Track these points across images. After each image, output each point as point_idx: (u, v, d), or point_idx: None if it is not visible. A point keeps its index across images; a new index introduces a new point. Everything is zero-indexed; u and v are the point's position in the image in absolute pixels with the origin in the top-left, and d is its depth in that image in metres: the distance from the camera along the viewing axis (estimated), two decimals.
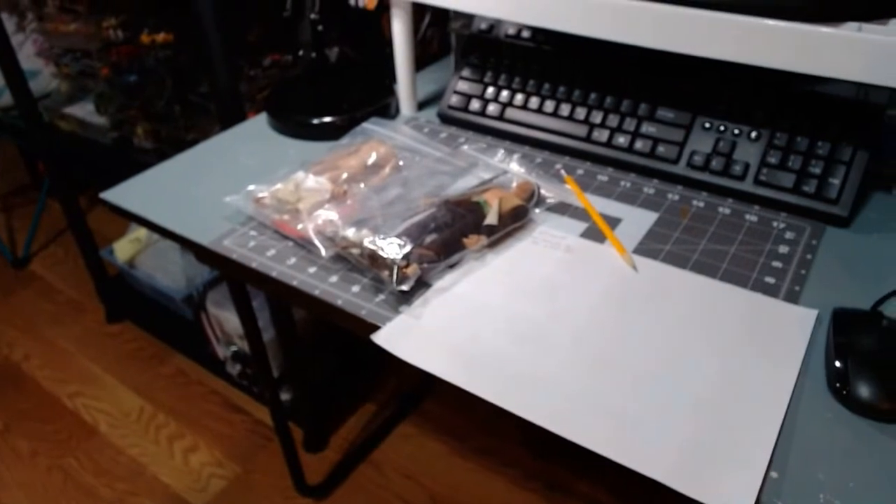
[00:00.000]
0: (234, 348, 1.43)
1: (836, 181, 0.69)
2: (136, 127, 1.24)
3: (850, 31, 0.59)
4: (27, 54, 1.52)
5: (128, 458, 1.45)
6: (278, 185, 0.74)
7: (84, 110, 1.43)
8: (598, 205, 0.73)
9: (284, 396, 1.41)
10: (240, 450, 1.46)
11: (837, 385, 0.51)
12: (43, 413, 1.56)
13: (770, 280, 0.62)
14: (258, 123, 0.93)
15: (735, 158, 0.73)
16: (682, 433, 0.49)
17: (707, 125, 0.75)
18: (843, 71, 0.60)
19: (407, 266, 0.62)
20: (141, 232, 1.64)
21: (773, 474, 0.46)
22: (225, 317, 1.38)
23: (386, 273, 0.62)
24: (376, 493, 1.36)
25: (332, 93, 0.94)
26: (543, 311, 0.60)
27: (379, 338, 0.58)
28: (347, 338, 1.55)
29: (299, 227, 0.68)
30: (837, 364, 0.52)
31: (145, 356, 1.70)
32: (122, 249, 1.63)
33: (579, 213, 0.72)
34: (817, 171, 0.69)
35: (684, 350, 0.56)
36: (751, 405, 0.51)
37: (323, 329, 1.47)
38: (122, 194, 0.80)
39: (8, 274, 2.00)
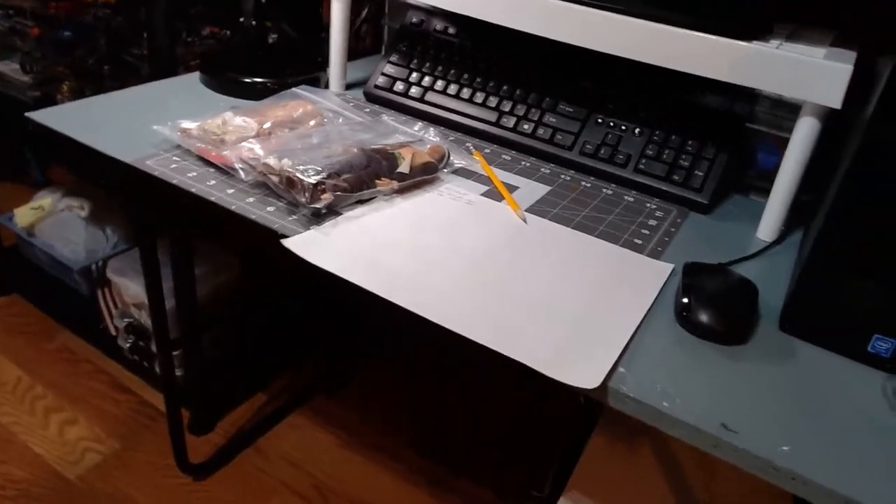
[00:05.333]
0: (128, 320, 1.41)
1: (700, 173, 0.80)
2: (62, 84, 1.24)
3: (716, 37, 0.71)
4: None
5: None
6: (207, 121, 0.78)
7: (6, 67, 1.41)
8: (500, 176, 0.82)
9: (177, 373, 1.39)
10: (122, 428, 1.42)
11: (683, 313, 0.60)
12: None
13: (638, 241, 0.72)
14: (190, 80, 0.97)
15: (620, 149, 0.84)
16: (551, 336, 0.56)
17: (599, 120, 0.86)
18: (709, 70, 0.72)
19: (322, 192, 0.67)
20: (45, 201, 1.60)
21: (621, 369, 0.54)
22: (124, 284, 1.37)
23: (302, 196, 0.67)
24: (258, 477, 1.36)
25: (267, 60, 1.00)
26: (443, 244, 0.67)
27: (290, 242, 0.63)
28: (246, 323, 1.55)
29: (224, 152, 0.73)
30: (684, 299, 0.61)
31: (32, 331, 1.63)
32: (23, 216, 1.59)
33: (482, 179, 0.80)
34: (686, 163, 0.81)
35: (561, 282, 0.63)
36: (610, 321, 0.59)
37: (225, 309, 1.48)
38: (50, 115, 0.82)
39: None
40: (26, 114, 0.81)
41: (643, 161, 0.82)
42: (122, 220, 1.62)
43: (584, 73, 0.89)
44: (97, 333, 1.56)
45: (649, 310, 0.61)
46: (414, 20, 0.98)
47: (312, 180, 0.66)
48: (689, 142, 0.82)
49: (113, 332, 1.49)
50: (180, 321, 1.33)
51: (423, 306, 0.57)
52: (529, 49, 0.90)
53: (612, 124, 0.86)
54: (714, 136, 0.82)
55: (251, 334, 1.56)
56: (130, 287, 1.36)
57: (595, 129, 0.86)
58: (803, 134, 0.70)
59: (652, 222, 0.76)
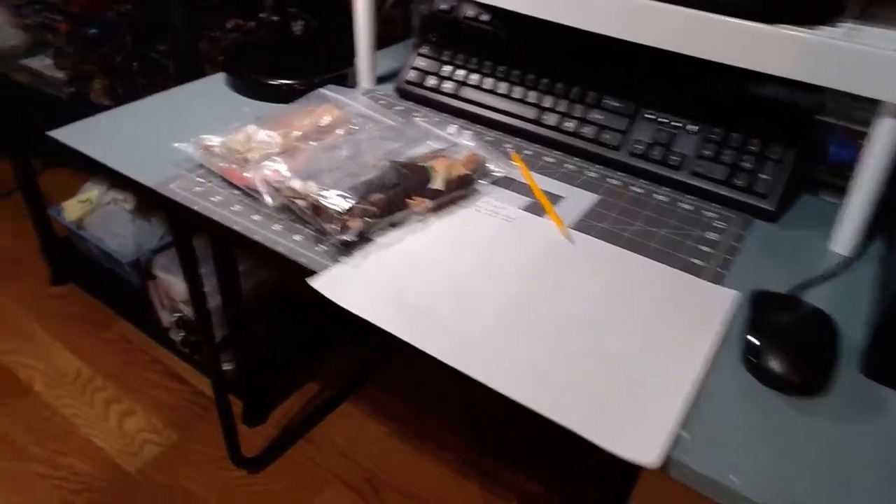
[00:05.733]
0: (178, 314, 1.42)
1: (765, 177, 0.72)
2: (93, 82, 1.23)
3: (785, 29, 0.62)
4: None
5: (61, 419, 1.43)
6: (229, 136, 0.74)
7: (41, 63, 1.41)
8: (542, 183, 0.76)
9: (227, 367, 1.40)
10: (178, 418, 1.45)
11: (751, 358, 0.54)
12: None
13: (697, 262, 0.65)
14: (215, 81, 0.94)
15: (673, 149, 0.77)
16: (600, 389, 0.51)
17: (649, 116, 0.79)
18: (776, 67, 0.64)
19: (350, 218, 0.63)
20: (92, 193, 1.62)
21: (684, 434, 0.48)
22: (171, 281, 1.37)
23: (329, 224, 0.63)
24: (312, 469, 1.36)
25: (292, 58, 0.96)
26: (480, 272, 0.62)
27: (316, 282, 0.59)
28: (294, 314, 1.55)
29: (247, 174, 0.69)
30: (752, 339, 0.55)
31: (88, 320, 1.67)
32: (72, 209, 1.60)
33: (522, 189, 0.75)
34: (748, 165, 0.73)
35: (609, 315, 0.58)
36: (666, 369, 0.53)
37: (270, 303, 1.48)
38: (72, 134, 0.80)
39: None
40: (48, 133, 0.79)
41: (700, 163, 0.75)
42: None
43: (631, 63, 0.81)
44: (150, 324, 1.58)
45: (713, 351, 0.55)
46: (443, 6, 0.92)
47: (340, 209, 0.62)
48: (751, 140, 0.74)
49: (165, 324, 1.51)
50: (227, 318, 1.33)
51: (455, 356, 0.53)
52: (570, 39, 0.83)
53: (663, 121, 0.78)
54: (778, 133, 0.73)
55: (298, 325, 1.56)
56: (177, 284, 1.36)
57: (645, 127, 0.79)
58: (883, 137, 0.61)
59: (711, 236, 0.69)
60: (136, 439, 1.40)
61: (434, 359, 0.53)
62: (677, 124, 0.77)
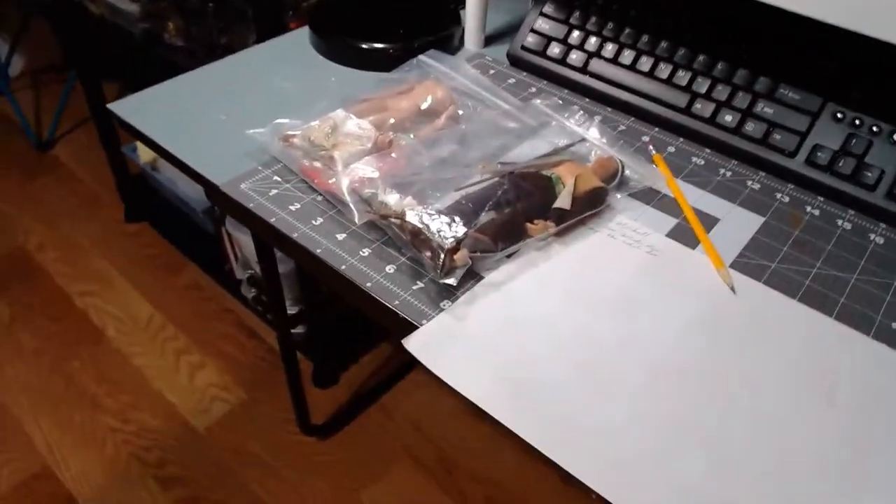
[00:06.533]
0: (250, 272, 1.34)
1: None
2: (168, 21, 1.11)
3: None
4: None
5: (133, 369, 1.40)
6: (312, 124, 0.62)
7: None
8: (692, 196, 0.61)
9: (297, 329, 1.33)
10: (248, 375, 1.40)
11: None
12: (51, 310, 1.51)
13: None
14: (299, 39, 0.80)
15: (868, 162, 0.60)
16: None
17: (839, 115, 0.61)
18: None
19: (456, 251, 0.50)
20: None
21: None
22: (244, 240, 1.29)
23: (429, 256, 0.51)
24: (382, 440, 1.30)
25: (388, 14, 0.81)
26: (615, 334, 0.49)
27: (412, 344, 0.47)
28: None
29: (331, 180, 0.57)
30: None
31: (161, 263, 1.63)
32: (146, 149, 1.52)
33: (668, 205, 0.60)
34: None
35: (789, 414, 0.44)
36: (875, 500, 0.40)
37: None
38: (133, 108, 0.69)
39: (31, 157, 1.93)
40: (108, 105, 0.69)
41: None
42: None
43: (822, 42, 0.63)
44: (223, 274, 1.52)
45: None
46: None
47: (446, 243, 0.49)
48: None
49: (238, 276, 1.44)
50: (300, 281, 1.24)
51: (578, 463, 0.41)
52: (742, 6, 0.65)
53: (857, 122, 0.61)
54: None
55: None
56: (249, 244, 1.27)
57: (831, 129, 0.61)
58: None
59: None
60: (206, 395, 1.36)
61: None
62: (876, 129, 0.60)
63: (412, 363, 1.43)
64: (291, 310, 1.29)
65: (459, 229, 0.50)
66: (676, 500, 0.40)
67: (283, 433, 1.31)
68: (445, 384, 0.46)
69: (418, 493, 1.22)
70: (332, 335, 1.40)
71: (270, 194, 0.59)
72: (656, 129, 0.69)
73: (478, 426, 1.32)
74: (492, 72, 0.76)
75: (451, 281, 0.49)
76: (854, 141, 0.60)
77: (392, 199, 0.54)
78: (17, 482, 1.21)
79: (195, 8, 1.04)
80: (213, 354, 1.43)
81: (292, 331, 1.28)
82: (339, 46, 0.76)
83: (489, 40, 0.82)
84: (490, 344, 0.48)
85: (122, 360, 1.42)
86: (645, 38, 0.70)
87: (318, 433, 1.31)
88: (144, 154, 1.53)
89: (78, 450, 1.26)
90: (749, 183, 0.63)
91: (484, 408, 0.44)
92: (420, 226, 0.51)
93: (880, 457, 0.42)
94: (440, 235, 0.50)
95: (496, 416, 0.43)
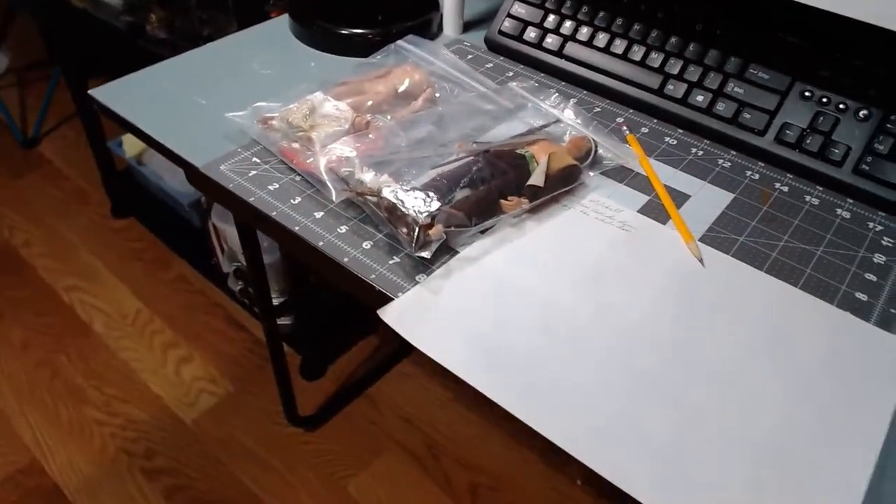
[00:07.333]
0: (236, 264, 1.35)
1: None
2: (150, 14, 1.11)
3: None
4: None
5: (120, 363, 1.40)
6: (290, 106, 0.63)
7: None
8: (663, 174, 0.62)
9: (284, 321, 1.34)
10: (235, 368, 1.40)
11: None
12: (38, 305, 1.51)
13: (861, 296, 0.52)
14: (278, 27, 0.81)
15: (835, 139, 0.61)
16: (743, 481, 0.40)
17: (807, 94, 0.63)
18: None
19: (431, 226, 0.51)
20: None
21: None
22: (230, 232, 1.30)
23: (405, 231, 0.52)
24: (369, 430, 1.31)
25: (367, 0, 0.82)
26: (587, 304, 0.50)
27: (388, 314, 0.48)
28: None
29: (309, 160, 0.58)
30: None
31: (148, 258, 1.63)
32: (131, 144, 1.53)
33: (639, 183, 0.61)
34: None
35: (753, 375, 0.46)
36: (833, 447, 0.41)
37: None
38: (114, 94, 0.69)
39: (16, 154, 1.92)
40: (89, 91, 0.69)
41: (868, 159, 0.59)
42: None
43: (791, 23, 0.64)
44: (210, 267, 1.52)
45: (890, 423, 0.43)
46: None
47: (421, 218, 0.50)
48: None
49: (225, 270, 1.44)
50: (286, 272, 1.25)
51: (552, 426, 0.42)
52: None
53: (825, 100, 0.62)
54: None
55: None
56: (235, 236, 1.28)
57: (800, 107, 0.63)
58: None
59: (879, 258, 0.55)
60: (193, 388, 1.36)
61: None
62: (842, 106, 0.61)
63: (399, 355, 1.45)
64: (277, 301, 1.29)
65: (434, 204, 0.52)
66: (644, 456, 0.41)
67: (271, 424, 1.31)
68: (428, 360, 0.46)
69: (405, 481, 1.23)
70: (319, 328, 1.41)
71: (249, 175, 0.59)
72: (630, 110, 0.70)
73: (465, 416, 1.33)
74: (469, 57, 0.77)
75: (426, 254, 0.50)
76: (821, 119, 0.62)
77: (368, 177, 0.55)
78: (4, 475, 1.21)
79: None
80: (200, 348, 1.44)
81: (279, 322, 1.29)
82: (317, 32, 0.77)
83: (468, 26, 0.83)
84: (465, 314, 0.49)
85: (110, 353, 1.42)
86: (619, 20, 0.71)
87: (305, 424, 1.31)
88: (130, 148, 1.53)
89: (65, 442, 1.26)
90: (720, 161, 0.64)
91: (459, 375, 0.45)
92: (395, 201, 0.52)
93: (835, 411, 0.43)
94: (415, 210, 0.51)
95: (471, 383, 0.44)
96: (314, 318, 1.37)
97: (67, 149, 1.93)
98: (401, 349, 1.44)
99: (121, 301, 1.52)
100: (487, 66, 0.76)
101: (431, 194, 0.52)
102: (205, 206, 1.46)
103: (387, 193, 0.53)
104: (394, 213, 0.52)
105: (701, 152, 0.65)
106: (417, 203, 0.52)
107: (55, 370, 1.38)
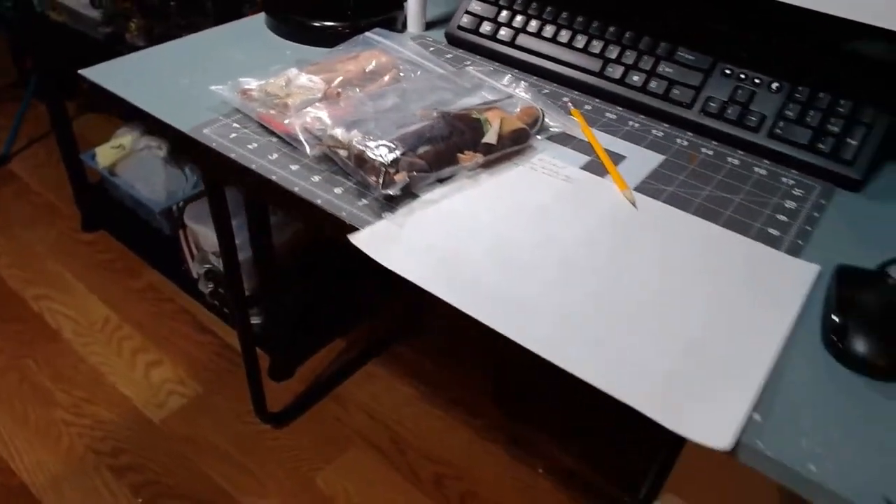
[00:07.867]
0: (207, 266, 1.39)
1: (853, 142, 0.65)
2: (130, 22, 1.18)
3: None
4: None
5: (88, 367, 1.42)
6: (269, 80, 0.69)
7: (78, 2, 1.36)
8: (604, 141, 0.70)
9: (255, 320, 1.37)
10: (204, 371, 1.43)
11: (834, 338, 0.48)
12: (5, 312, 1.52)
13: (774, 232, 0.59)
14: (255, 23, 0.88)
15: (752, 109, 0.70)
16: (667, 366, 0.46)
17: (727, 71, 0.72)
18: (877, 16, 0.56)
19: (396, 171, 0.58)
20: (126, 139, 1.58)
21: (756, 416, 0.43)
22: (202, 232, 1.34)
23: (373, 177, 0.58)
24: (336, 427, 1.34)
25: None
26: (533, 237, 0.56)
27: (357, 238, 0.54)
28: (324, 270, 1.51)
29: (286, 122, 0.64)
30: (836, 317, 0.49)
31: (118, 268, 1.65)
32: (104, 155, 1.57)
33: (582, 147, 0.69)
34: (835, 129, 0.66)
35: (678, 288, 0.52)
36: (740, 347, 0.48)
37: (301, 258, 1.44)
38: (103, 73, 0.75)
39: None
40: (79, 71, 0.75)
41: (780, 124, 0.68)
42: None
43: (710, 11, 0.73)
44: (180, 273, 1.56)
45: (791, 329, 0.50)
46: None
47: (386, 160, 0.57)
48: (840, 101, 0.67)
49: (195, 275, 1.48)
50: (258, 271, 1.29)
51: (506, 323, 0.48)
52: None
53: (743, 76, 0.71)
54: (871, 95, 0.66)
55: (330, 281, 1.52)
56: (208, 235, 1.32)
57: (721, 83, 0.72)
58: None
59: (790, 204, 0.63)
60: (162, 390, 1.38)
61: (475, 321, 0.48)
62: (758, 81, 0.70)
63: (366, 357, 1.49)
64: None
65: (398, 151, 0.58)
66: (575, 340, 0.47)
67: (239, 423, 1.34)
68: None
69: (371, 473, 1.26)
70: (288, 329, 1.45)
71: (230, 137, 0.65)
72: (576, 92, 0.78)
73: (430, 412, 1.38)
74: (431, 49, 0.85)
75: (392, 191, 0.56)
76: (740, 92, 0.70)
77: (340, 132, 0.61)
78: None
79: (158, 6, 1.11)
80: (169, 352, 1.46)
81: (251, 322, 1.33)
82: (292, 25, 0.84)
83: (430, 25, 0.91)
84: (426, 243, 0.55)
85: (78, 358, 1.43)
86: (564, 14, 0.80)
87: (273, 421, 1.34)
88: (103, 159, 1.57)
89: (32, 442, 1.27)
90: (654, 131, 0.72)
91: (424, 287, 0.50)
92: (364, 148, 0.58)
93: (745, 319, 0.50)
94: (381, 156, 0.57)
95: (435, 293, 0.50)
96: (283, 319, 1.41)
97: (39, 167, 1.96)
98: (369, 350, 1.49)
99: (89, 309, 1.54)
100: (447, 56, 0.84)
101: (397, 143, 0.59)
102: (176, 214, 1.50)
103: (356, 144, 0.59)
104: (363, 162, 0.59)
105: (637, 125, 0.73)
106: (383, 151, 0.58)
107: (23, 374, 1.39)
